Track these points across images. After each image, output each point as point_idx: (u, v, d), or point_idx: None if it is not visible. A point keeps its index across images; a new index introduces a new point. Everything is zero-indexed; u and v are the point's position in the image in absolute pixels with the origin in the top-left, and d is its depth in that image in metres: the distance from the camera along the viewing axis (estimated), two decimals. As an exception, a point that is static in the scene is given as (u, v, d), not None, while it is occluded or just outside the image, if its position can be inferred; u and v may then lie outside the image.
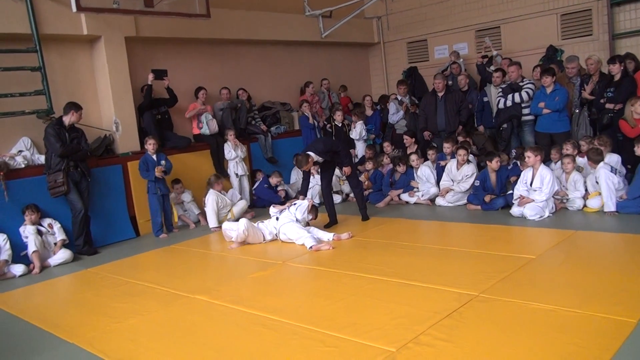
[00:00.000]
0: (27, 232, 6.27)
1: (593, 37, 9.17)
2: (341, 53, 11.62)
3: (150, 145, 7.24)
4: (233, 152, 8.41)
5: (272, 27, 9.75)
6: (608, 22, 8.85)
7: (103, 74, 7.61)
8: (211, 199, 7.43)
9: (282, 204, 7.16)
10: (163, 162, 7.27)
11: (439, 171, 7.91)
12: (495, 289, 4.09)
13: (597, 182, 6.24)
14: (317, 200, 8.39)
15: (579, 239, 5.33)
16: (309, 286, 4.80)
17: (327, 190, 7.13)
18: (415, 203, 7.84)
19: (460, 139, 8.20)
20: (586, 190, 6.46)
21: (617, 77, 7.12)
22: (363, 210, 7.11)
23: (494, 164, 7.00)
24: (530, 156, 6.40)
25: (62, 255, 6.37)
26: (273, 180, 8.68)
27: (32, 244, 6.18)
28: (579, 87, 7.76)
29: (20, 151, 6.86)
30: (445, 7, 10.82)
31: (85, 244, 6.70)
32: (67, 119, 6.57)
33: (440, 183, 7.74)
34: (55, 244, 6.46)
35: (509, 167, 7.39)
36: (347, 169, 7.00)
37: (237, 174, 8.47)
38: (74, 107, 6.61)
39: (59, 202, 6.66)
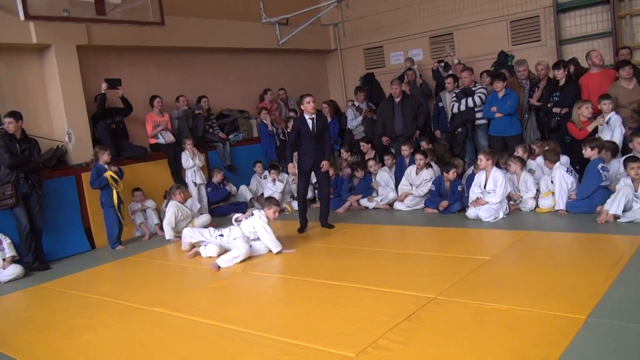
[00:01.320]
0: None
1: (541, 42, 9.49)
2: (299, 60, 11.65)
3: (105, 155, 7.02)
4: (191, 161, 8.31)
5: (229, 35, 9.71)
6: (555, 29, 9.18)
7: (54, 83, 7.41)
8: (171, 211, 7.29)
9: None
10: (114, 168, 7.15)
11: (398, 176, 8.02)
12: (451, 290, 4.17)
13: (552, 182, 6.44)
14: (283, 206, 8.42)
15: (532, 239, 5.49)
16: (268, 294, 4.78)
17: (303, 194, 7.01)
18: (374, 208, 7.91)
19: (424, 144, 8.31)
20: (538, 190, 6.66)
21: (562, 82, 7.39)
22: (324, 219, 7.05)
23: (450, 175, 7.13)
24: (482, 159, 6.59)
25: (13, 271, 6.14)
26: (215, 178, 8.63)
27: None
28: (528, 91, 8.01)
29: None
30: (400, 14, 11.01)
31: (35, 260, 6.47)
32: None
33: (399, 187, 7.85)
34: (4, 259, 6.24)
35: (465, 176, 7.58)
36: (325, 163, 6.77)
37: (195, 183, 8.37)
38: (5, 116, 6.34)
39: (9, 217, 6.43)
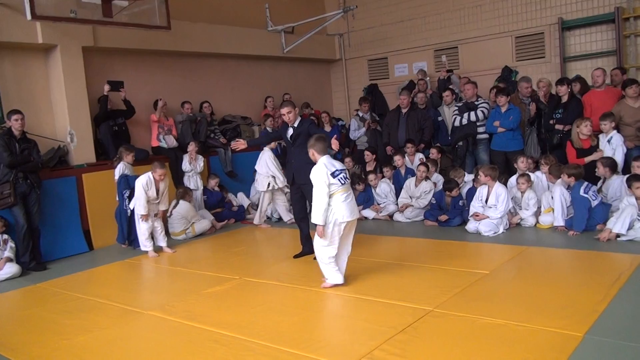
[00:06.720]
0: None
1: (546, 59, 9.52)
2: (303, 68, 11.69)
3: (130, 157, 7.22)
4: (188, 165, 8.31)
5: (234, 41, 9.75)
6: (559, 46, 9.21)
7: (58, 83, 7.43)
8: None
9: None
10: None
11: (395, 186, 8.03)
12: (449, 303, 4.15)
13: (552, 198, 6.43)
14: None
15: (531, 255, 5.47)
16: (265, 301, 4.75)
17: (301, 214, 6.00)
18: (373, 218, 7.90)
19: (434, 153, 8.30)
20: (539, 207, 6.65)
21: (564, 99, 7.40)
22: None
23: (453, 193, 7.13)
24: (481, 175, 6.61)
25: (9, 269, 6.12)
26: (210, 184, 8.61)
27: None
28: (528, 107, 8.02)
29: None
30: (405, 26, 11.06)
31: (32, 260, 6.44)
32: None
33: (399, 200, 7.85)
34: (0, 259, 6.21)
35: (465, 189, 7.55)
36: None
37: (189, 188, 8.34)
38: (14, 112, 6.38)
39: (8, 216, 6.40)
